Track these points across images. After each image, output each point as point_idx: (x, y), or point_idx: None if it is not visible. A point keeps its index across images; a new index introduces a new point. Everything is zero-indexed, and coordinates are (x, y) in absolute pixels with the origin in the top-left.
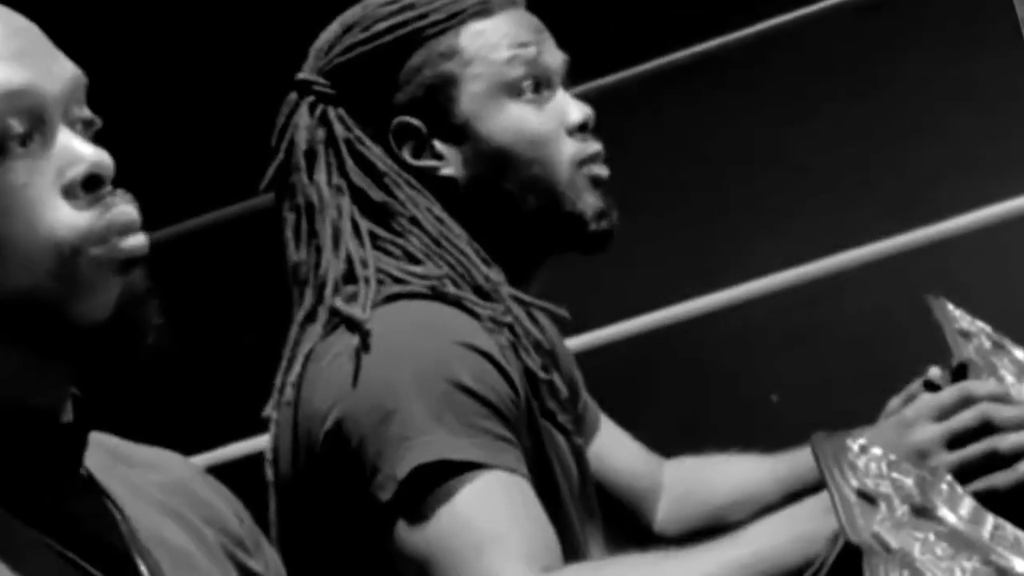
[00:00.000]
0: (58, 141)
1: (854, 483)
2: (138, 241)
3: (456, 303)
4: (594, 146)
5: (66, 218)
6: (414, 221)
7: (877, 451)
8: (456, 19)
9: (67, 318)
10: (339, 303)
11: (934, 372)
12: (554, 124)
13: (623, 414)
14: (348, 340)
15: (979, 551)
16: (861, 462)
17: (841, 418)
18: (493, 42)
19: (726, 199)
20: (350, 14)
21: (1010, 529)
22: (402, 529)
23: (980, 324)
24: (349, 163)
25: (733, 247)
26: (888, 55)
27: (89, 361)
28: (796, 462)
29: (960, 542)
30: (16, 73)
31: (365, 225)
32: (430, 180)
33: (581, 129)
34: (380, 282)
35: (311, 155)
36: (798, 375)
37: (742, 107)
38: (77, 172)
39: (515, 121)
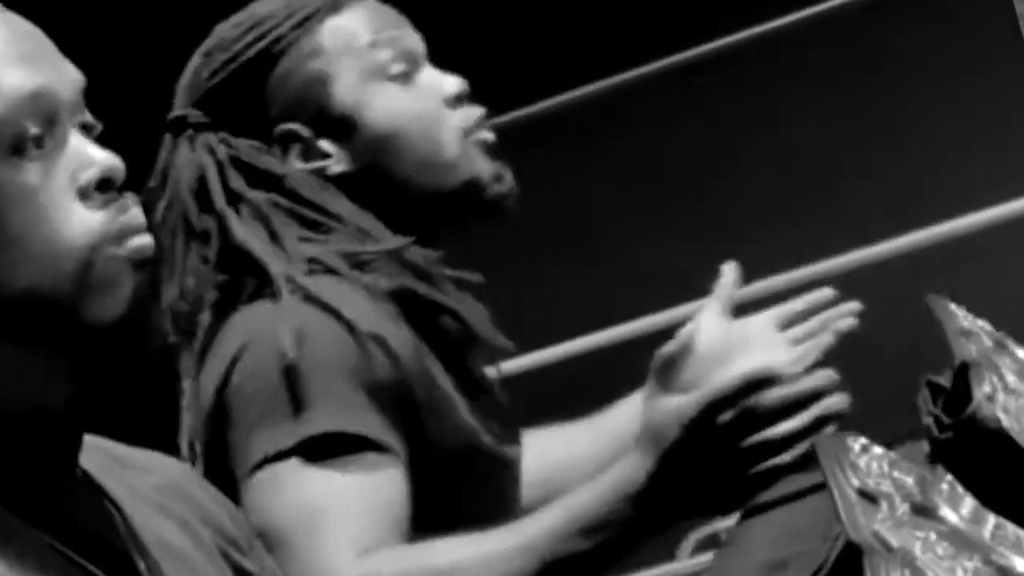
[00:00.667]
0: (70, 144)
1: (855, 482)
2: (148, 241)
3: (346, 276)
4: (476, 111)
5: (81, 219)
6: (323, 211)
7: (878, 450)
8: (312, 20)
9: (82, 317)
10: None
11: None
12: (433, 99)
13: None
14: (251, 317)
15: (980, 550)
16: (862, 461)
17: (845, 418)
18: (353, 32)
19: (725, 202)
20: (207, 43)
21: (1011, 528)
22: (257, 498)
23: (981, 323)
24: (242, 180)
25: (734, 248)
26: (887, 55)
27: (100, 359)
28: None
29: (961, 541)
30: (30, 76)
31: (276, 227)
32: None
33: (458, 100)
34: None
35: (202, 185)
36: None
37: (742, 109)
38: (91, 175)
39: (394, 103)
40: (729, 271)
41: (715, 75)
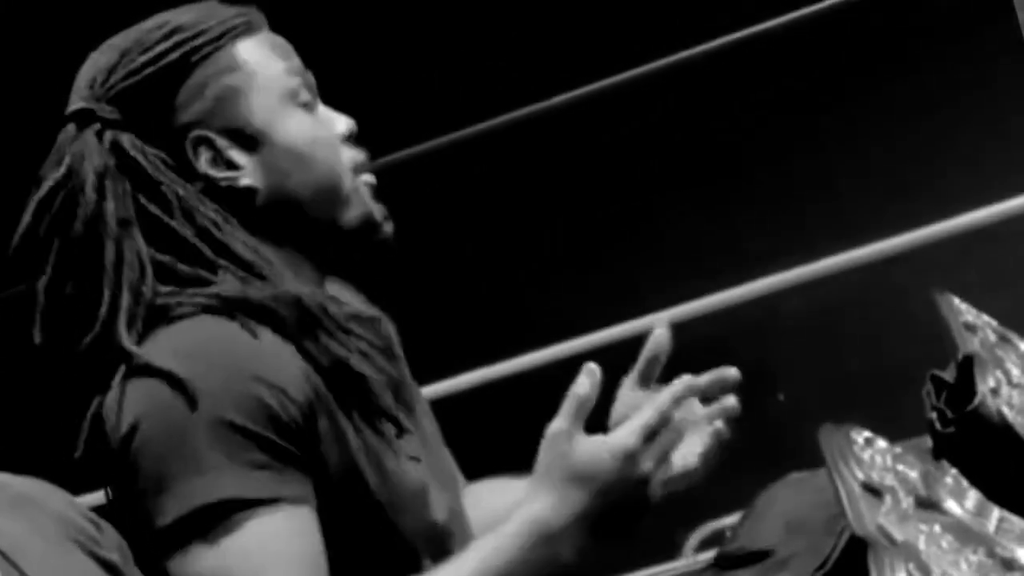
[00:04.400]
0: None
1: (859, 476)
2: None
3: (238, 311)
4: (363, 154)
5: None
6: (218, 246)
7: (882, 444)
8: (227, 36)
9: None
10: (128, 343)
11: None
12: (330, 132)
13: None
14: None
15: (984, 543)
16: (866, 455)
17: (849, 415)
18: (268, 56)
19: (739, 196)
20: (121, 41)
21: (1016, 521)
22: (175, 563)
23: (986, 318)
24: (142, 191)
25: (735, 247)
26: (887, 56)
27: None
28: None
29: (965, 534)
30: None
31: (152, 256)
32: (228, 192)
33: (348, 138)
34: (165, 308)
35: (101, 184)
36: (805, 372)
37: (745, 104)
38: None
39: (305, 127)
40: (659, 335)
41: (713, 74)
